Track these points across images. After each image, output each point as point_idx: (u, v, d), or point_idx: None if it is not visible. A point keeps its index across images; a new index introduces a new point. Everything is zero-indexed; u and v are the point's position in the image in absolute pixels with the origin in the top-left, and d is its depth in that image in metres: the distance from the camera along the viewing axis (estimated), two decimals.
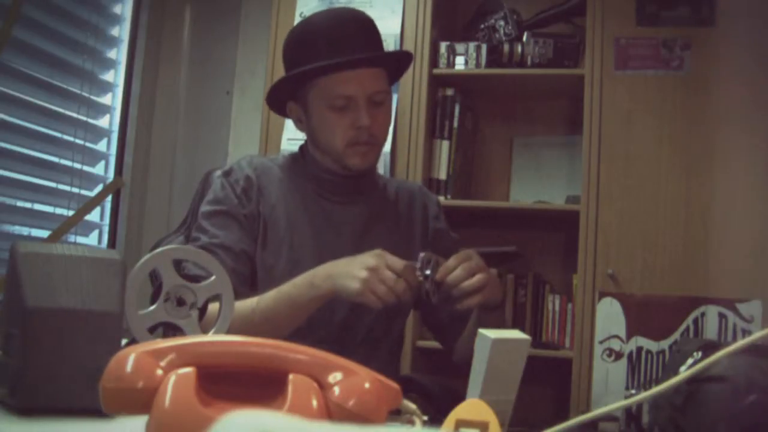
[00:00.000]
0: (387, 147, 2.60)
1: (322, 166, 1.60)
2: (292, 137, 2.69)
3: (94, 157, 2.91)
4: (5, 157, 2.54)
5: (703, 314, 2.39)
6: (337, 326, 1.53)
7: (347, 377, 0.72)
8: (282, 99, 1.60)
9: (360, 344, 1.53)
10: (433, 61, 2.72)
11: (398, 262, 1.34)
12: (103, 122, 2.96)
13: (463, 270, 1.35)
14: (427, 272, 1.34)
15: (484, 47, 2.72)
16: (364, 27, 1.55)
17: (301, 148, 1.66)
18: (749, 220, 2.41)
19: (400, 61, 1.64)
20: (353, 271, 1.34)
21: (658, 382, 0.91)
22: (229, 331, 1.10)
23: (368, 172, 1.61)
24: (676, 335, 2.40)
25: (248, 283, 1.51)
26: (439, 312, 1.65)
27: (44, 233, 2.66)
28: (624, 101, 2.54)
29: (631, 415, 1.23)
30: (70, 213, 2.73)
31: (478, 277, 1.36)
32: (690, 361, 0.92)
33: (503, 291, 1.53)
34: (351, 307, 1.52)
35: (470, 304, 1.37)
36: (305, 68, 1.50)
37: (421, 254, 1.37)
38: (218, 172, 1.62)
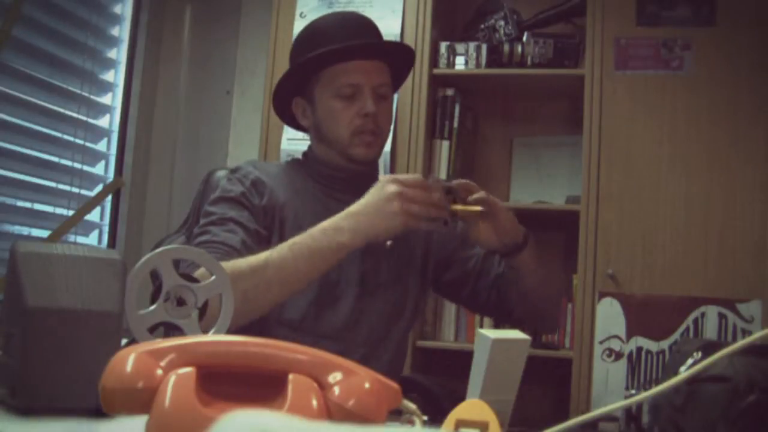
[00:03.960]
0: (387, 147, 2.60)
1: (328, 163, 1.60)
2: (292, 137, 2.69)
3: (94, 157, 2.91)
4: (5, 157, 2.54)
5: (703, 314, 2.39)
6: (339, 326, 1.53)
7: (347, 377, 0.72)
8: (288, 96, 1.62)
9: (361, 345, 1.54)
10: (433, 61, 2.72)
11: (412, 179, 1.37)
12: (103, 122, 2.97)
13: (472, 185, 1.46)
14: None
15: (484, 47, 2.72)
16: (368, 25, 1.62)
17: (305, 153, 1.67)
18: (749, 220, 2.41)
19: (403, 62, 1.66)
20: (383, 209, 1.34)
21: (658, 382, 0.91)
22: (238, 284, 1.11)
23: (372, 162, 1.62)
24: (676, 335, 2.40)
25: None
26: (480, 290, 1.66)
27: (44, 233, 2.66)
28: (624, 101, 2.54)
29: (631, 415, 1.23)
30: (70, 213, 2.73)
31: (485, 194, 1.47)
32: (690, 361, 0.92)
33: (522, 229, 1.59)
34: (354, 307, 1.53)
35: (484, 202, 1.46)
36: (315, 53, 1.53)
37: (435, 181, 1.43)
38: (222, 172, 1.62)
